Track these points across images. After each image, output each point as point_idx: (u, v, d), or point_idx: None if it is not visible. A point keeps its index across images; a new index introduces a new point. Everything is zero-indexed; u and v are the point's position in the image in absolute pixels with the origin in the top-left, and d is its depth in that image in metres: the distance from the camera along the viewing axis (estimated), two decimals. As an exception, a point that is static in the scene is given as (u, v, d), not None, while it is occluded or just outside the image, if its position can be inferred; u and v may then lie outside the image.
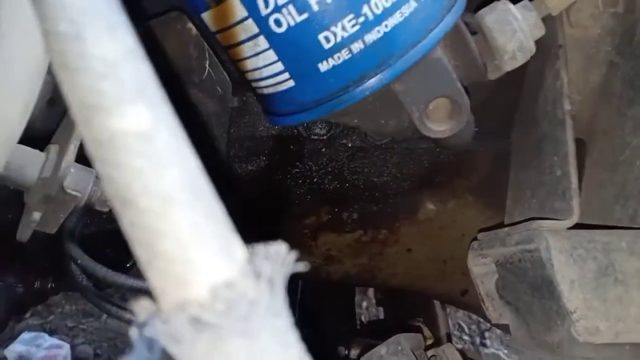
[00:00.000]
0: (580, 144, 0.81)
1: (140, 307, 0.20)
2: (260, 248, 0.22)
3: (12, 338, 1.64)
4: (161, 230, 0.20)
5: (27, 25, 0.32)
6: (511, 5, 0.62)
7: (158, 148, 0.20)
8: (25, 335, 1.67)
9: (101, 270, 0.58)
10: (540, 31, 0.63)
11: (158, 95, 0.21)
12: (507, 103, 0.84)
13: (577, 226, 0.66)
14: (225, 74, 0.74)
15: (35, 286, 0.82)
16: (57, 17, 0.21)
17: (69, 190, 0.50)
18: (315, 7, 0.51)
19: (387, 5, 0.52)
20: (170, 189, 0.20)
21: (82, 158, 0.53)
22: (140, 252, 0.20)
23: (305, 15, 0.52)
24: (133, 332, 0.20)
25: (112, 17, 0.21)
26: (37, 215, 0.53)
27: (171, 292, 0.20)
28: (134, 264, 0.81)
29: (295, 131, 0.82)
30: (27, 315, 1.71)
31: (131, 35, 0.22)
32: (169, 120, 0.21)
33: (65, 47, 0.21)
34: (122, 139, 0.20)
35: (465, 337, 1.83)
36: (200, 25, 0.64)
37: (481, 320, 1.68)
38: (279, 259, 0.22)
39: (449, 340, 1.21)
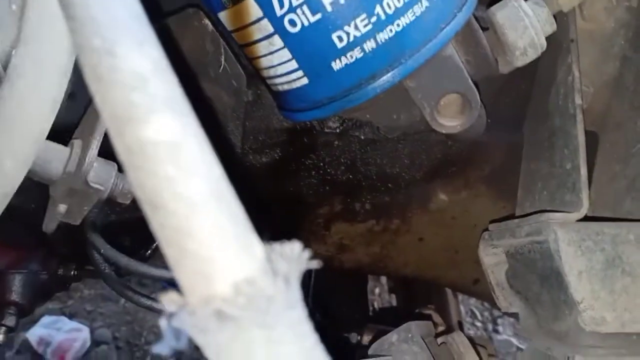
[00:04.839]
0: (592, 136, 0.81)
1: (169, 300, 0.22)
2: (277, 247, 0.23)
3: (33, 322, 1.68)
4: (188, 232, 0.21)
5: (54, 27, 0.34)
6: (522, 2, 0.62)
7: (186, 156, 0.21)
8: (46, 319, 1.71)
9: (123, 260, 0.61)
10: (551, 27, 0.63)
11: (185, 106, 0.22)
12: (519, 95, 0.83)
13: (588, 218, 0.66)
14: (240, 67, 0.75)
15: (59, 273, 0.85)
16: (90, 32, 0.22)
17: (92, 184, 0.52)
18: (329, 8, 0.52)
19: (399, 5, 0.53)
20: (196, 194, 0.21)
21: (103, 151, 0.55)
22: (169, 251, 0.22)
23: (318, 16, 0.52)
24: (162, 323, 0.22)
25: (141, 32, 0.23)
26: (62, 208, 0.54)
27: (197, 287, 0.21)
28: (153, 252, 0.83)
29: (309, 124, 0.82)
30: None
31: (158, 49, 0.23)
32: (195, 130, 0.22)
33: (97, 61, 0.22)
34: (152, 147, 0.21)
35: (478, 324, 1.85)
36: (217, 23, 0.65)
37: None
38: (294, 256, 0.23)
39: (461, 327, 1.23)
